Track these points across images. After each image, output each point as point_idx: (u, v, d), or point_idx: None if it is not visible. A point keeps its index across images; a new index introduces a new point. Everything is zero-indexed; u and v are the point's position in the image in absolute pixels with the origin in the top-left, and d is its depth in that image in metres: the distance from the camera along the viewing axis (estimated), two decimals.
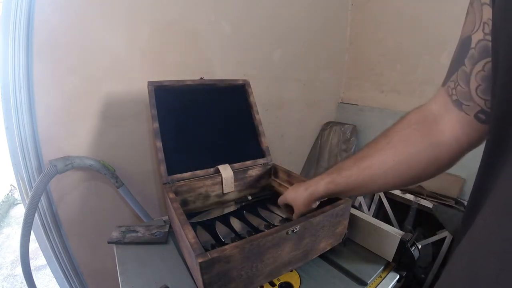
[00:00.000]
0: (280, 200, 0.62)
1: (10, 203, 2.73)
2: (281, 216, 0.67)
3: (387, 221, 1.24)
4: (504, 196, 0.20)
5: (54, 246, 0.84)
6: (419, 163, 0.37)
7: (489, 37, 0.26)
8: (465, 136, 0.33)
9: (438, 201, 1.07)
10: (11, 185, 2.78)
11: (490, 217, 0.21)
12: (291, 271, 0.55)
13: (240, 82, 0.83)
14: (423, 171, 0.37)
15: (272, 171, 0.80)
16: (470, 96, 0.30)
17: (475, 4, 0.28)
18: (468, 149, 0.34)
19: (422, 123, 0.37)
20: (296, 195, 0.54)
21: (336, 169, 0.47)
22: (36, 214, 0.74)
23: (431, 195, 1.11)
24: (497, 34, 0.22)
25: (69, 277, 0.89)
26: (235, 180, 0.73)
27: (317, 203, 0.54)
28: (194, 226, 0.60)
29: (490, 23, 0.26)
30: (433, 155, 0.36)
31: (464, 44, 0.30)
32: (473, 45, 0.29)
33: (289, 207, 0.60)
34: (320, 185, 0.49)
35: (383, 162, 0.39)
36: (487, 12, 0.26)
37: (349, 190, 0.45)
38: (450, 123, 0.34)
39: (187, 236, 0.45)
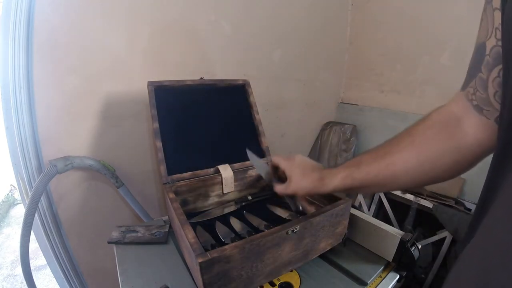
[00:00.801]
0: (274, 159, 0.55)
1: (10, 203, 2.73)
2: (280, 216, 0.67)
3: (387, 221, 1.24)
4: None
5: (54, 246, 0.84)
6: (443, 164, 0.37)
7: (500, 43, 0.27)
8: (486, 139, 0.33)
9: (438, 201, 1.07)
10: (11, 185, 2.79)
11: (498, 218, 0.21)
12: (291, 271, 0.55)
13: (240, 82, 0.83)
14: (444, 172, 0.37)
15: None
16: (489, 101, 0.31)
17: (488, 11, 0.28)
18: (489, 151, 0.34)
19: (446, 125, 0.36)
20: (303, 176, 0.48)
21: (355, 163, 0.43)
22: (36, 214, 0.74)
23: (431, 195, 1.11)
24: (506, 39, 0.22)
25: (69, 277, 0.89)
26: (235, 180, 0.73)
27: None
28: (194, 226, 0.60)
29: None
30: (456, 157, 0.36)
31: (479, 51, 0.30)
32: (487, 51, 0.29)
33: (274, 176, 0.57)
34: (336, 179, 0.44)
35: (406, 161, 0.38)
36: (498, 17, 0.26)
37: (365, 187, 0.42)
38: (472, 127, 0.34)
39: (187, 236, 0.45)
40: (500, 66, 0.27)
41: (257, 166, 0.63)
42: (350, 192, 0.47)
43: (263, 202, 0.75)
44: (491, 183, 0.26)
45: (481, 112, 0.33)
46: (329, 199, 0.61)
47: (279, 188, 0.52)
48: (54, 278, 0.91)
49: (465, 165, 0.36)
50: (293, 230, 0.47)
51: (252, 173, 0.77)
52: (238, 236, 0.59)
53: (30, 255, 0.77)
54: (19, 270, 1.80)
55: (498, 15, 0.26)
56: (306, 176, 0.47)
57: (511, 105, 0.22)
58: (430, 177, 0.38)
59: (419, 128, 0.39)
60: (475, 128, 0.34)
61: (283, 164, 0.52)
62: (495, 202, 0.22)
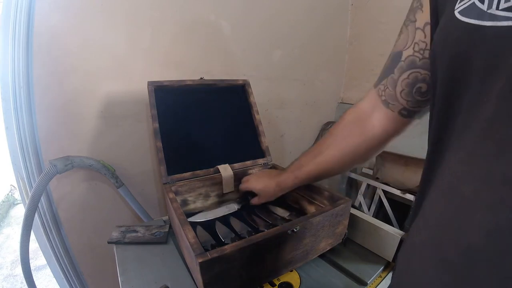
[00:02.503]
0: (242, 187, 0.70)
1: (10, 203, 2.73)
2: (280, 216, 0.67)
3: (387, 221, 1.24)
4: (444, 180, 0.25)
5: (54, 246, 0.84)
6: (359, 153, 0.49)
7: (417, 54, 0.35)
8: (391, 128, 0.44)
9: None
10: (11, 185, 2.79)
11: (432, 200, 0.27)
12: (291, 271, 0.55)
13: (240, 82, 0.83)
14: (361, 158, 0.50)
15: None
16: (396, 97, 0.40)
17: (410, 27, 0.36)
18: (394, 136, 0.45)
19: (357, 122, 0.47)
20: (266, 188, 0.64)
21: (297, 167, 0.59)
22: (36, 214, 0.74)
23: None
24: (435, 54, 0.28)
25: (69, 277, 0.89)
26: (235, 180, 0.73)
27: None
28: (194, 226, 0.60)
29: (421, 44, 0.34)
30: (368, 146, 0.47)
31: (395, 57, 0.38)
32: (403, 58, 0.37)
33: (249, 194, 0.70)
34: (289, 181, 0.60)
35: (332, 156, 0.52)
36: (420, 35, 0.34)
37: (309, 181, 0.60)
38: (380, 119, 0.44)
39: (187, 236, 0.45)
40: (411, 71, 0.36)
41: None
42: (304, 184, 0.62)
43: (263, 202, 0.75)
44: (427, 174, 0.31)
45: (388, 106, 0.42)
46: (329, 199, 0.61)
47: (253, 201, 0.68)
48: (54, 278, 0.91)
49: (376, 150, 0.49)
50: (293, 230, 0.47)
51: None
52: (238, 236, 0.59)
53: (30, 255, 0.77)
54: (19, 270, 1.80)
55: (419, 33, 0.34)
56: (267, 188, 0.64)
57: (439, 103, 0.28)
58: (352, 164, 0.53)
59: (338, 128, 0.51)
60: (382, 120, 0.43)
61: (246, 185, 0.69)
62: (431, 186, 0.28)
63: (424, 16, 0.33)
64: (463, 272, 0.21)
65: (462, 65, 0.24)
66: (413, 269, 0.27)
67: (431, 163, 0.30)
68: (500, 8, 0.21)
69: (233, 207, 0.71)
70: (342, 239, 0.60)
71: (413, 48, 0.35)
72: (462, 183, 0.23)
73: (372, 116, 0.45)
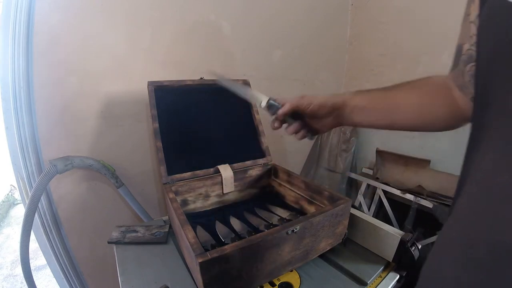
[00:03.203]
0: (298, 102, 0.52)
1: (10, 203, 2.73)
2: (280, 216, 0.67)
3: (387, 221, 1.24)
4: (478, 172, 0.25)
5: (54, 246, 0.84)
6: (439, 111, 0.43)
7: (473, 47, 0.34)
8: (466, 111, 0.40)
9: (438, 201, 1.07)
10: (11, 185, 2.79)
11: (465, 194, 0.26)
12: (291, 271, 0.55)
13: (240, 82, 0.83)
14: (439, 120, 0.44)
15: (272, 171, 0.80)
16: (466, 85, 0.39)
17: (466, 21, 0.35)
18: (464, 122, 0.42)
19: (442, 85, 0.43)
20: (321, 98, 0.50)
21: (365, 91, 0.49)
22: (36, 214, 0.74)
23: (431, 195, 1.11)
24: (479, 46, 0.28)
25: (69, 277, 0.89)
26: (235, 180, 0.73)
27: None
28: (194, 226, 0.60)
29: (475, 37, 0.33)
30: (450, 111, 0.42)
31: (458, 49, 0.39)
32: (463, 52, 0.37)
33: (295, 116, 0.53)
34: (355, 97, 0.49)
35: (408, 97, 0.44)
36: (473, 29, 0.34)
37: (369, 109, 0.48)
38: (458, 98, 0.41)
39: (187, 236, 0.45)
40: (471, 64, 0.35)
41: (238, 91, 0.57)
42: (351, 116, 0.49)
43: (263, 202, 0.75)
44: (466, 164, 0.30)
45: (462, 90, 0.40)
46: (329, 199, 0.61)
47: (293, 100, 0.52)
48: (54, 278, 0.91)
49: (455, 122, 0.43)
50: (293, 230, 0.47)
51: (252, 173, 0.77)
52: (238, 236, 0.59)
53: (30, 255, 0.77)
54: (19, 270, 1.80)
55: (472, 27, 0.34)
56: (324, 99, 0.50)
57: (480, 99, 0.28)
58: (427, 120, 0.45)
59: (418, 80, 0.45)
60: (460, 100, 0.41)
61: (297, 102, 0.51)
62: (466, 182, 0.27)
63: (475, 8, 0.32)
64: (495, 272, 0.20)
65: (504, 51, 0.23)
66: (441, 269, 0.26)
67: (468, 158, 0.29)
68: None
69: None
70: (342, 239, 0.60)
71: (469, 43, 0.35)
72: (498, 174, 0.22)
73: (454, 91, 0.42)
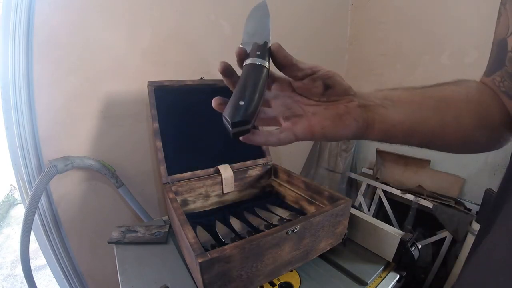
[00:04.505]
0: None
1: (10, 203, 2.73)
2: (280, 216, 0.67)
3: (387, 221, 1.24)
4: None
5: (54, 246, 0.84)
6: (496, 117, 0.32)
7: None
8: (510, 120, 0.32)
9: (438, 201, 1.07)
10: (11, 185, 2.78)
11: None
12: (291, 271, 0.55)
13: None
14: (493, 130, 0.32)
15: (272, 171, 0.80)
16: None
17: (508, 6, 0.28)
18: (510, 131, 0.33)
19: (485, 88, 0.33)
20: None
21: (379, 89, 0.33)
22: (36, 214, 0.74)
23: (431, 195, 1.11)
24: None
25: (69, 277, 0.89)
26: (235, 180, 0.74)
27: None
28: (194, 226, 0.60)
29: None
30: (502, 119, 0.32)
31: (501, 46, 0.30)
32: (509, 48, 0.29)
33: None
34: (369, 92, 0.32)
35: (456, 91, 0.32)
36: None
37: (407, 102, 0.31)
38: (500, 107, 0.32)
39: (187, 236, 0.45)
40: None
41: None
42: (395, 113, 0.30)
43: (263, 202, 0.75)
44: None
45: (510, 97, 0.31)
46: (329, 199, 0.61)
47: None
48: (54, 278, 0.91)
49: (499, 136, 0.33)
50: (293, 230, 0.47)
51: (252, 173, 0.77)
52: (238, 236, 0.59)
53: (30, 255, 0.77)
54: (19, 270, 1.80)
55: None
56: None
57: None
58: (484, 126, 0.32)
59: (454, 81, 0.34)
60: (503, 109, 0.32)
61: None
62: None
63: None
64: None
65: None
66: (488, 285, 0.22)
67: None
68: None
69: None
70: (342, 239, 0.60)
71: None
72: None
73: (498, 97, 0.32)
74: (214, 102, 0.30)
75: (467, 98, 0.32)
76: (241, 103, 0.25)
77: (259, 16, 0.37)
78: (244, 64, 0.29)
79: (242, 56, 0.29)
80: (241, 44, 0.32)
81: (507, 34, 0.29)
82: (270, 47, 0.29)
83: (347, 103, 0.29)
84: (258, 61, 0.28)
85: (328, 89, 0.29)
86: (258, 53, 0.28)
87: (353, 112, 0.28)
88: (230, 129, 0.25)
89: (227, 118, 0.25)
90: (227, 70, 0.31)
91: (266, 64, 0.28)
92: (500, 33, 0.30)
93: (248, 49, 0.30)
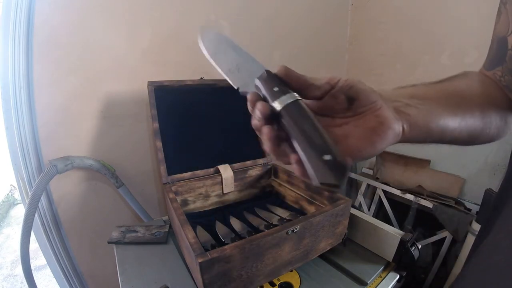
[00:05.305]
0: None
1: (10, 203, 2.73)
2: (280, 216, 0.67)
3: (387, 221, 1.24)
4: None
5: (54, 246, 0.84)
6: (500, 102, 0.32)
7: None
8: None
9: (438, 201, 1.07)
10: (11, 185, 2.79)
11: None
12: (291, 271, 0.55)
13: None
14: (502, 121, 0.32)
15: (272, 171, 0.80)
16: None
17: (508, 5, 0.28)
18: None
19: (492, 80, 0.34)
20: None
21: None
22: (36, 214, 0.74)
23: (431, 195, 1.11)
24: None
25: (69, 277, 0.89)
26: (235, 180, 0.74)
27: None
28: (194, 226, 0.60)
29: None
30: (507, 110, 0.32)
31: (500, 44, 0.31)
32: (510, 46, 0.30)
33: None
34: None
35: (469, 85, 0.32)
36: None
37: (426, 99, 0.29)
38: (502, 98, 0.33)
39: (187, 236, 0.45)
40: None
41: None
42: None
43: (263, 202, 0.75)
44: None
45: (510, 91, 0.32)
46: (329, 199, 0.61)
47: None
48: (54, 278, 0.91)
49: (503, 130, 0.33)
50: (293, 230, 0.47)
51: (252, 173, 0.77)
52: (238, 236, 0.59)
53: (30, 255, 0.77)
54: (19, 270, 1.80)
55: None
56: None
57: None
58: (496, 116, 0.32)
59: (469, 71, 0.35)
60: (505, 101, 0.33)
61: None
62: None
63: None
64: None
65: None
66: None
67: None
68: None
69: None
70: (342, 239, 0.60)
71: None
72: None
73: (498, 93, 0.33)
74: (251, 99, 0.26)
75: (480, 90, 0.32)
76: (327, 157, 0.19)
77: (223, 48, 0.32)
78: (276, 109, 0.23)
79: (257, 101, 0.25)
80: (238, 88, 0.28)
81: (507, 33, 0.30)
82: (276, 74, 0.24)
83: (376, 111, 0.25)
84: (289, 99, 0.22)
85: (352, 102, 0.25)
86: (276, 89, 0.23)
87: (386, 121, 0.25)
88: (317, 182, 0.20)
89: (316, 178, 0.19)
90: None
91: (295, 94, 0.23)
92: (500, 31, 0.31)
93: (246, 89, 0.26)
